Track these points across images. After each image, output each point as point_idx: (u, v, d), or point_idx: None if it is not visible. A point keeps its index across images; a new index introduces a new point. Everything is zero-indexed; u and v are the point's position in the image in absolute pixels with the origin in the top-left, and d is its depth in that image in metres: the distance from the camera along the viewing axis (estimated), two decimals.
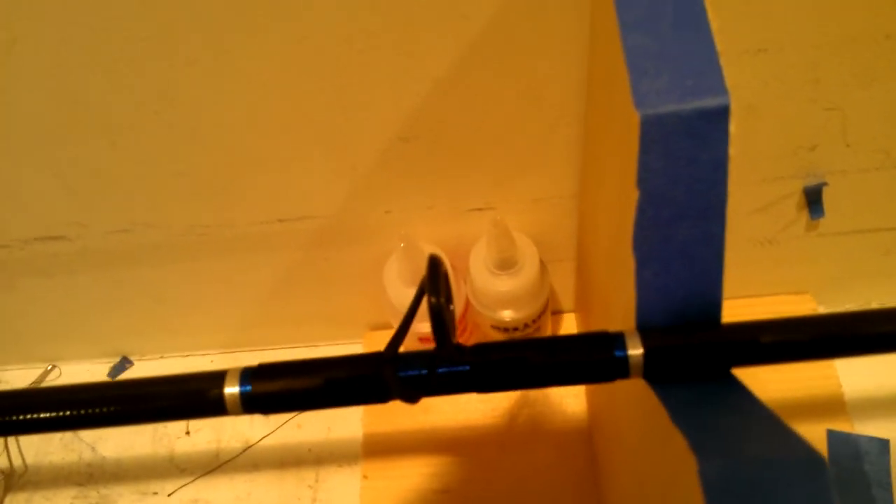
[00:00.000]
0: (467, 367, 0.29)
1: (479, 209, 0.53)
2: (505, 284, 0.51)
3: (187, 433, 0.67)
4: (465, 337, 0.58)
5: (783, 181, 0.50)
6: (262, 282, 0.61)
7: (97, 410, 0.30)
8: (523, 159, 0.48)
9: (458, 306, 0.54)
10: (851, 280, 0.63)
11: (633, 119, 0.26)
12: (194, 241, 0.54)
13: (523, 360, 0.29)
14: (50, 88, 0.42)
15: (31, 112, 0.44)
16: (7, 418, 0.30)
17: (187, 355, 0.72)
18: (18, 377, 0.72)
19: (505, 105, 0.43)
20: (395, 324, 0.56)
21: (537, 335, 0.57)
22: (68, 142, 0.45)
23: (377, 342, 0.68)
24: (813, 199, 0.51)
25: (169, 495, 0.64)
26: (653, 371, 0.29)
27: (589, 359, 0.29)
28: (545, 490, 0.59)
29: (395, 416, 0.64)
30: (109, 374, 0.71)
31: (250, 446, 0.66)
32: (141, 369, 0.72)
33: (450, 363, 0.29)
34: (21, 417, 0.30)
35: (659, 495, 0.30)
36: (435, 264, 0.25)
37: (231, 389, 0.30)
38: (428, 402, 0.64)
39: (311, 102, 0.43)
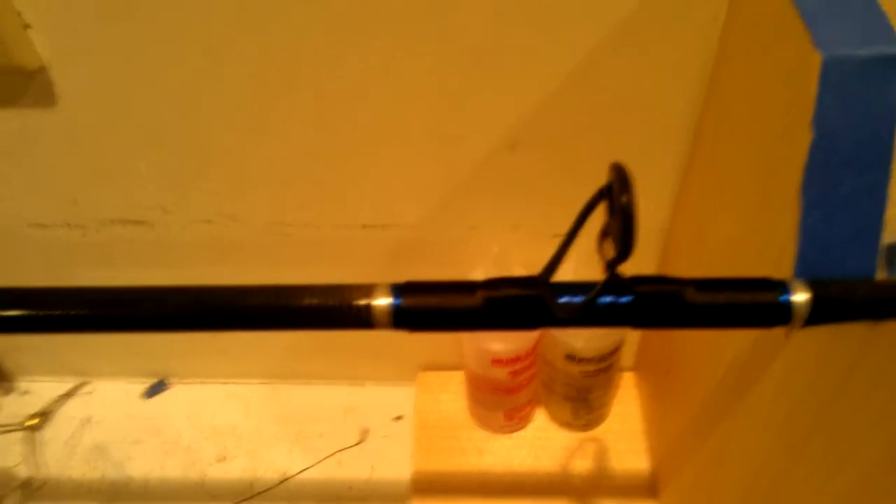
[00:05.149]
0: (630, 299, 0.28)
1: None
2: None
3: (222, 459, 0.64)
4: (533, 371, 0.57)
5: None
6: None
7: (238, 309, 0.29)
8: None
9: (532, 335, 0.54)
10: None
11: (813, 62, 0.28)
12: (272, 243, 0.54)
13: (683, 297, 0.28)
14: (176, 45, 0.43)
15: (145, 80, 0.45)
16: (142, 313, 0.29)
17: (226, 382, 0.69)
18: (46, 390, 0.69)
19: (617, 112, 0.45)
20: (468, 352, 0.55)
21: (611, 372, 0.56)
22: (184, 113, 0.46)
23: (432, 384, 0.66)
24: None
25: None
26: (815, 321, 0.29)
27: (753, 301, 0.28)
28: None
29: (447, 456, 0.61)
30: (145, 395, 0.69)
31: (287, 478, 0.62)
32: (178, 393, 0.69)
33: (614, 292, 0.28)
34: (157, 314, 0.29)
35: None
36: (621, 168, 0.25)
37: (381, 301, 0.29)
38: (482, 445, 0.61)
39: (428, 88, 0.44)
